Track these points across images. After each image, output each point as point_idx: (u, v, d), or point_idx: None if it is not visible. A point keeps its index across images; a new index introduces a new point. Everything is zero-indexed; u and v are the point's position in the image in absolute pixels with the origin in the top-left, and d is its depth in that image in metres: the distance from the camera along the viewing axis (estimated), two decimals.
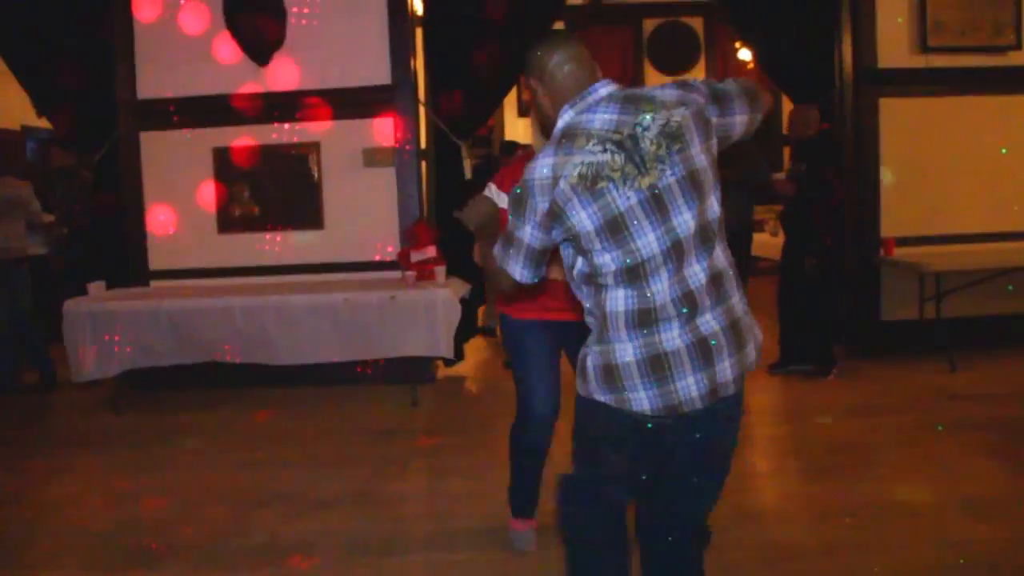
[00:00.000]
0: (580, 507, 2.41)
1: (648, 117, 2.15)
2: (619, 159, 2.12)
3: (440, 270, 6.11)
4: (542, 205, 2.17)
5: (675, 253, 2.13)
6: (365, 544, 3.78)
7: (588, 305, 2.27)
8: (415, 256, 6.17)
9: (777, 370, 6.43)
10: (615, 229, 2.12)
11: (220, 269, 6.72)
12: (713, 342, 2.17)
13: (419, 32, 6.94)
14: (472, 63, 6.74)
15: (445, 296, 5.81)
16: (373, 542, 3.79)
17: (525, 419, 3.44)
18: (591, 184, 2.11)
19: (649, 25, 13.25)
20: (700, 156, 2.16)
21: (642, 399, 2.18)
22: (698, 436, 2.26)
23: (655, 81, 12.94)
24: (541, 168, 2.17)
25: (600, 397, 2.24)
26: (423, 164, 6.87)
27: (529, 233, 2.23)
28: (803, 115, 6.36)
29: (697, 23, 13.22)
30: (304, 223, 6.71)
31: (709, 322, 2.18)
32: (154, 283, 6.75)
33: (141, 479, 4.80)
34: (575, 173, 2.12)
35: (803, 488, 4.23)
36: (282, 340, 5.86)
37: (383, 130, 6.62)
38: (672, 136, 2.14)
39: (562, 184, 2.13)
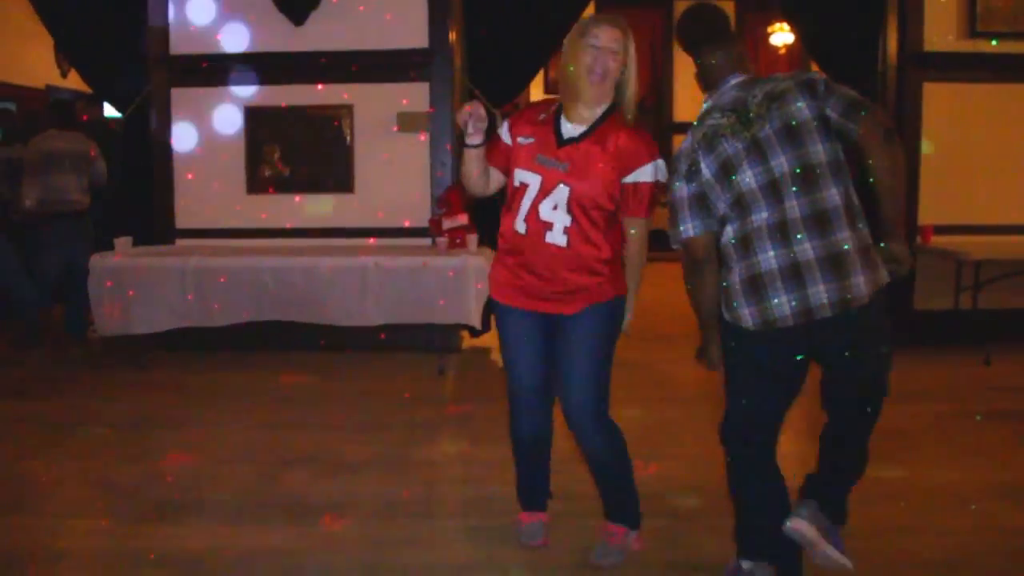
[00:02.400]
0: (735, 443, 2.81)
1: (759, 88, 2.68)
2: (731, 119, 2.66)
3: (472, 238, 6.03)
4: (683, 166, 2.71)
5: (771, 189, 2.59)
6: (397, 507, 3.71)
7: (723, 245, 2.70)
8: (447, 223, 6.08)
9: None
10: (725, 171, 2.63)
11: (247, 230, 6.65)
12: (806, 268, 2.54)
13: (456, 2, 6.84)
14: (510, 34, 6.64)
15: (476, 264, 5.73)
16: (406, 505, 3.72)
17: (511, 396, 3.20)
18: (710, 141, 2.67)
19: (680, 7, 13.11)
20: (801, 111, 2.59)
21: (746, 316, 2.63)
22: (814, 347, 2.64)
23: (684, 64, 12.83)
24: (685, 142, 2.75)
25: (726, 316, 2.70)
26: (457, 131, 6.78)
27: (680, 188, 2.71)
28: None
29: (729, 7, 13.07)
30: (335, 186, 6.63)
31: (806, 251, 2.55)
32: (180, 241, 6.68)
33: (166, 435, 4.75)
34: (700, 136, 2.69)
35: None
36: (310, 301, 5.80)
37: (418, 95, 6.52)
38: (773, 97, 2.63)
39: (695, 146, 2.70)
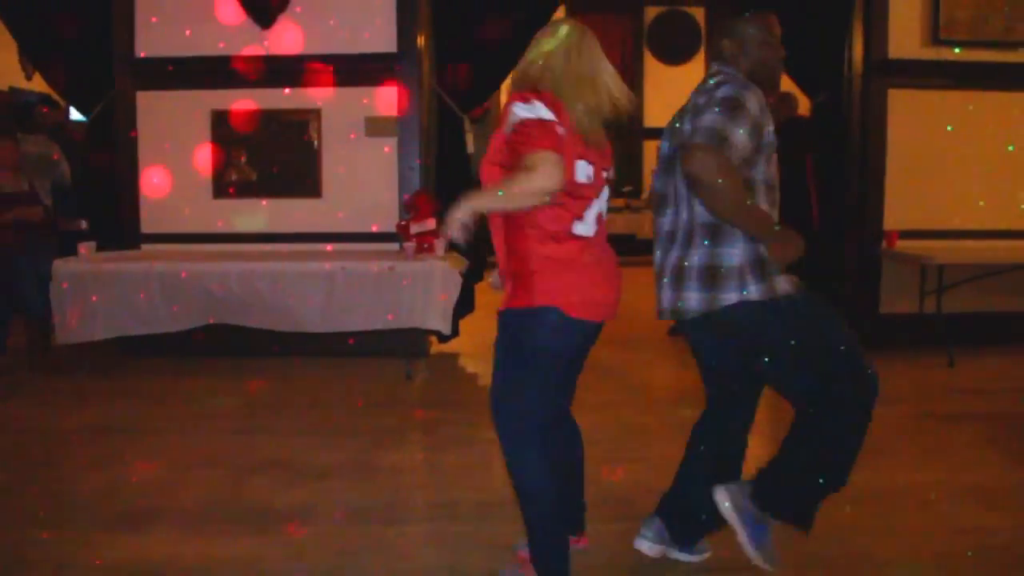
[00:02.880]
0: None
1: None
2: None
3: (440, 243, 6.00)
4: (754, 112, 2.69)
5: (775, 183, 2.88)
6: (363, 513, 3.67)
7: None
8: (415, 228, 6.05)
9: None
10: (767, 151, 2.78)
11: (214, 235, 6.60)
12: None
13: (424, 6, 6.83)
14: (478, 37, 6.64)
15: (444, 268, 5.71)
16: (372, 511, 3.69)
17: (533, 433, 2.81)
18: (764, 120, 2.75)
19: (650, 13, 13.19)
20: None
21: (784, 285, 2.80)
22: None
23: (655, 71, 12.90)
24: (751, 99, 2.71)
25: (754, 296, 2.74)
26: (425, 136, 6.76)
27: (742, 134, 2.66)
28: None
29: (699, 13, 13.16)
30: (302, 191, 6.59)
31: None
32: (145, 246, 6.61)
33: (129, 442, 4.68)
34: (759, 108, 2.73)
35: None
36: (276, 307, 5.74)
37: (386, 99, 6.50)
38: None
39: (759, 111, 2.72)
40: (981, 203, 6.64)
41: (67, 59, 6.87)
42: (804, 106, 7.21)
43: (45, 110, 7.81)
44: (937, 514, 3.65)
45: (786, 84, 9.53)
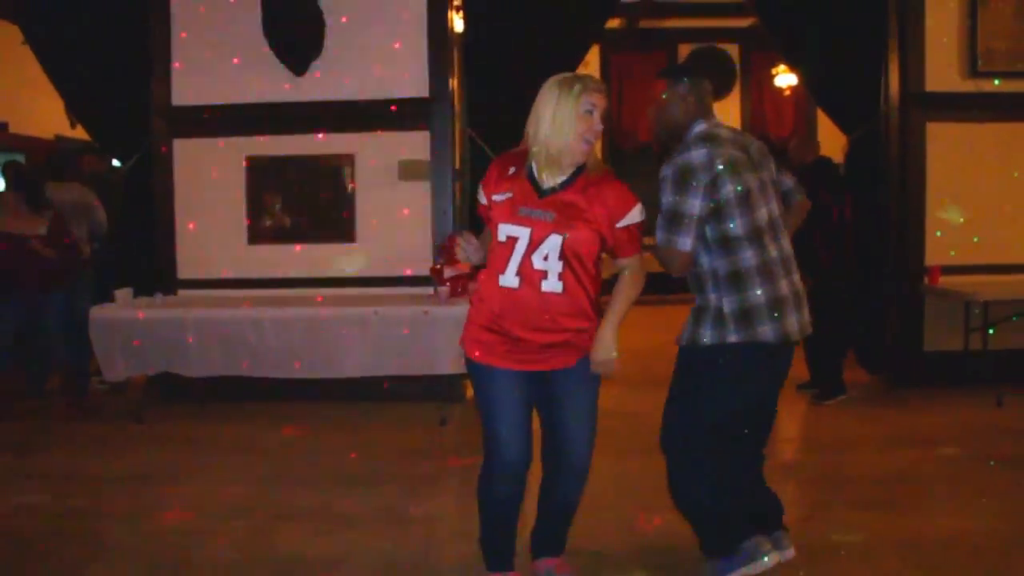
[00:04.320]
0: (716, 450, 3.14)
1: (746, 138, 3.24)
2: (743, 156, 3.08)
3: (473, 286, 5.96)
4: (705, 178, 2.97)
5: (772, 227, 3.12)
6: (394, 563, 3.62)
7: (715, 265, 3.05)
8: (448, 272, 6.03)
9: (802, 389, 6.52)
10: (747, 201, 3.02)
11: (249, 280, 6.63)
12: (798, 297, 3.16)
13: (455, 51, 6.87)
14: (509, 81, 6.63)
15: None
16: (403, 562, 3.64)
17: (491, 459, 3.06)
18: (734, 167, 3.01)
19: (684, 50, 13.15)
20: (773, 172, 3.27)
21: (767, 332, 3.03)
22: (786, 362, 3.21)
23: None
24: (699, 155, 3.00)
25: (732, 339, 3.01)
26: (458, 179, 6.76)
27: (693, 204, 2.97)
28: (802, 143, 6.63)
29: (733, 49, 13.11)
30: (336, 236, 6.60)
31: (795, 281, 3.18)
32: (182, 292, 6.66)
33: (162, 491, 4.68)
34: (726, 157, 3.00)
35: (852, 520, 4.01)
36: (311, 353, 5.75)
37: (419, 143, 6.52)
38: (763, 152, 3.24)
39: (718, 163, 2.98)
40: None
41: (106, 108, 6.97)
42: (839, 141, 7.12)
43: (90, 159, 7.94)
44: (987, 565, 3.51)
45: (822, 120, 9.49)
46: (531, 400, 3.05)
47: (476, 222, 6.50)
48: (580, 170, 2.95)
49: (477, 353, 3.03)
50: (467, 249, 3.01)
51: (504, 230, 2.92)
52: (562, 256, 2.88)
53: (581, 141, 2.87)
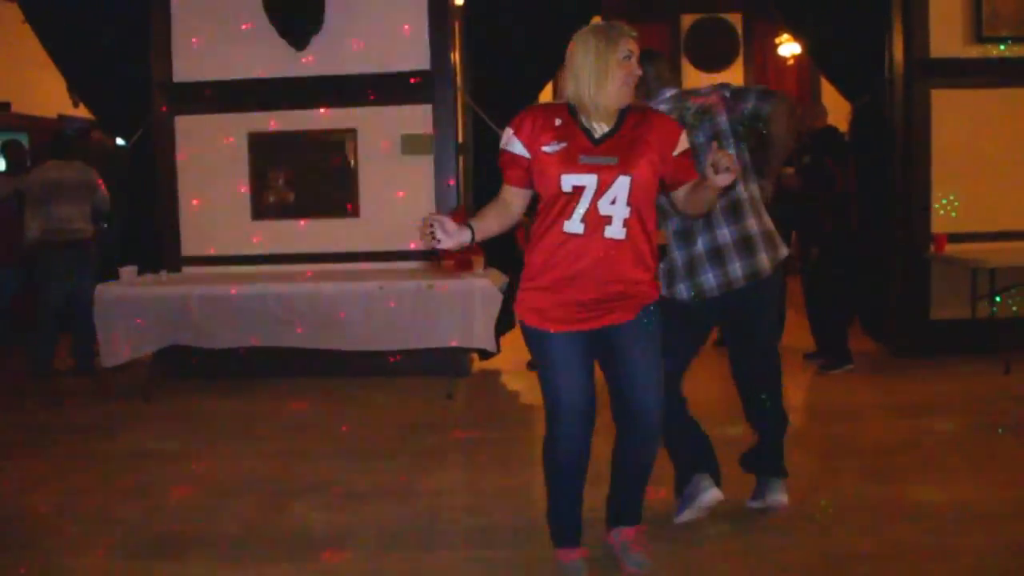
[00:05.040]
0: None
1: (691, 101, 3.47)
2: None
3: (478, 260, 5.96)
4: None
5: None
6: (400, 538, 3.63)
7: (672, 226, 3.40)
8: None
9: (809, 358, 6.53)
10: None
11: (253, 256, 6.63)
12: (725, 250, 3.38)
13: (456, 24, 6.82)
14: (511, 53, 6.59)
15: (483, 286, 5.67)
16: (409, 536, 3.64)
17: (555, 421, 2.99)
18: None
19: (687, 21, 13.06)
20: (723, 123, 3.45)
21: (682, 290, 3.41)
22: (728, 310, 3.47)
23: (693, 78, 12.77)
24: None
25: (663, 292, 3.23)
26: (461, 152, 6.73)
27: None
28: (811, 109, 6.62)
29: (736, 19, 13.01)
30: (340, 211, 6.59)
31: (725, 235, 3.39)
32: (186, 269, 6.66)
33: (170, 466, 4.69)
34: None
35: (861, 489, 4.01)
36: (315, 327, 5.75)
37: (421, 117, 6.49)
38: (703, 111, 3.44)
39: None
40: None
41: (107, 85, 6.95)
42: (843, 109, 7.06)
43: (97, 134, 7.92)
44: (996, 532, 3.49)
45: (826, 88, 9.41)
46: (591, 359, 3.01)
47: (479, 195, 6.53)
48: (625, 110, 2.96)
49: (532, 318, 3.00)
50: (439, 233, 2.93)
51: (569, 180, 2.88)
52: (629, 199, 2.88)
53: (624, 86, 2.88)
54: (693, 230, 3.38)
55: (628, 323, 2.96)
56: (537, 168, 2.93)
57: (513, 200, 3.03)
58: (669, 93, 3.49)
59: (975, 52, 6.45)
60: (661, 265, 3.25)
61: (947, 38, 6.45)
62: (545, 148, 2.90)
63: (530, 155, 2.93)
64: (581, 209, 2.87)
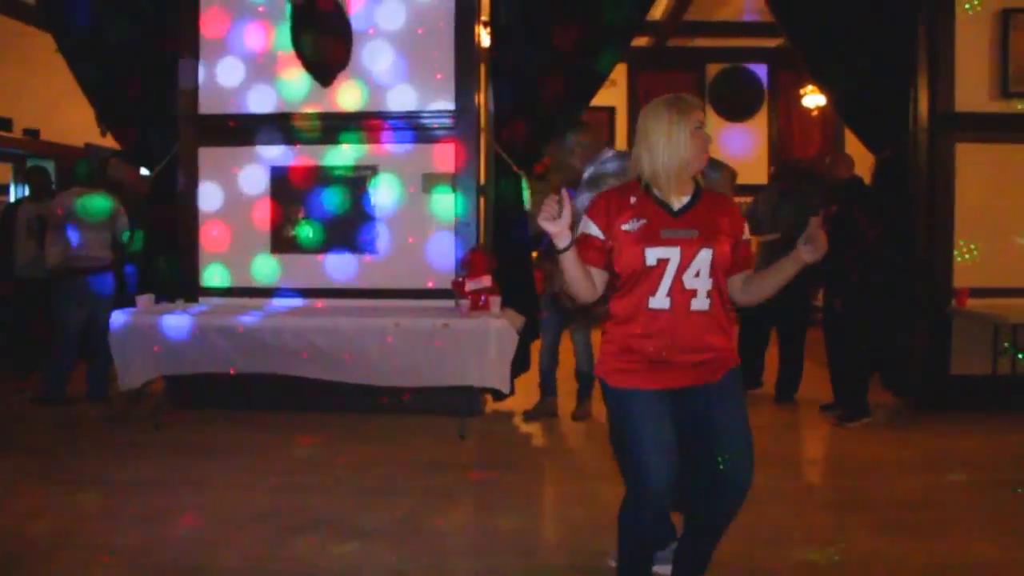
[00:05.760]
0: None
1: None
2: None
3: (495, 300, 5.95)
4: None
5: None
6: None
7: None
8: (470, 285, 6.01)
9: (826, 410, 6.49)
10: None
11: (271, 289, 6.64)
12: None
13: (482, 65, 6.87)
14: (536, 94, 6.62)
15: (500, 326, 5.65)
16: (415, 575, 3.59)
17: (637, 494, 2.91)
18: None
19: (712, 70, 13.11)
20: None
21: None
22: None
23: (718, 127, 12.79)
24: (581, 201, 3.44)
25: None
26: (482, 193, 6.74)
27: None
28: (836, 159, 6.57)
29: (761, 70, 13.05)
30: (359, 247, 6.60)
31: None
32: (203, 299, 6.67)
33: (176, 497, 4.66)
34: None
35: (873, 544, 3.93)
36: (330, 361, 5.73)
37: (443, 156, 6.52)
38: None
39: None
40: None
41: (133, 116, 7.02)
42: (867, 161, 7.04)
43: (115, 162, 8.01)
44: None
45: (850, 139, 9.39)
46: (677, 420, 2.93)
47: (499, 235, 6.54)
48: (699, 187, 2.98)
49: (619, 378, 2.95)
50: (563, 213, 2.76)
51: (653, 253, 2.88)
52: (712, 272, 2.89)
53: (699, 155, 2.89)
54: None
55: (716, 381, 2.93)
56: (617, 247, 2.91)
57: (595, 278, 2.97)
58: (610, 152, 3.89)
59: (1000, 107, 6.44)
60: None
61: (972, 92, 6.43)
62: (624, 226, 2.90)
63: (606, 236, 2.93)
64: (666, 283, 2.87)
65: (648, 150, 2.90)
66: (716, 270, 2.88)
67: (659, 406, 2.87)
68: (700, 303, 2.87)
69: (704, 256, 2.86)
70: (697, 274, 2.86)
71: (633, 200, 2.93)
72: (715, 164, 3.64)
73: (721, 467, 2.85)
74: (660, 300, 2.87)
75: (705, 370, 2.90)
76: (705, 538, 3.05)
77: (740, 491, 2.89)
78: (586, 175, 3.87)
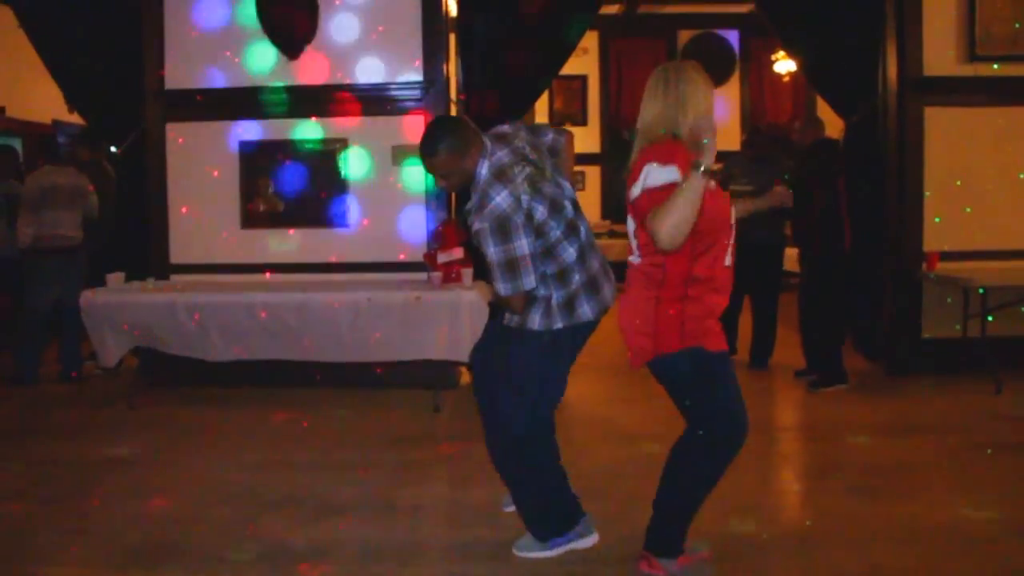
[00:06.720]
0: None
1: (518, 142, 3.32)
2: (532, 167, 3.22)
3: (467, 272, 5.92)
4: (520, 217, 3.09)
5: (576, 208, 3.36)
6: (380, 552, 3.58)
7: (544, 268, 3.22)
8: (442, 257, 5.99)
9: (799, 375, 6.53)
10: (555, 208, 3.20)
11: (242, 265, 6.58)
12: (604, 264, 3.43)
13: (450, 35, 6.81)
14: (505, 64, 6.58)
15: (472, 298, 5.63)
16: (388, 550, 3.59)
17: (730, 441, 3.06)
18: (535, 188, 3.16)
19: (684, 36, 13.08)
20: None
21: (587, 312, 3.29)
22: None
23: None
24: (503, 198, 3.09)
25: (559, 325, 3.25)
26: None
27: (522, 244, 3.08)
28: (804, 124, 6.58)
29: (733, 35, 13.04)
30: (329, 221, 6.55)
31: (599, 250, 3.44)
32: (174, 276, 6.61)
33: (151, 475, 4.64)
34: (525, 182, 3.15)
35: (845, 508, 3.97)
36: (302, 337, 5.69)
37: (413, 128, 6.45)
38: (537, 147, 3.39)
39: (523, 195, 3.12)
40: None
41: (99, 92, 6.93)
42: (837, 127, 7.06)
43: (83, 151, 7.90)
44: (984, 553, 3.46)
45: (820, 106, 9.41)
46: None
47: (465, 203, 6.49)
48: None
49: (716, 340, 3.01)
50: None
51: (731, 212, 3.03)
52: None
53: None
54: (587, 249, 3.33)
55: None
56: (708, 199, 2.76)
57: None
58: (490, 145, 3.27)
59: (968, 71, 6.44)
60: (553, 300, 3.26)
61: (940, 57, 6.45)
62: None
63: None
64: (730, 243, 3.01)
65: (693, 111, 2.89)
66: None
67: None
68: (729, 258, 3.02)
69: (734, 214, 3.04)
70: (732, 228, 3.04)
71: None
72: (556, 129, 3.65)
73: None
74: (729, 257, 3.01)
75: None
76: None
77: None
78: (484, 171, 3.20)
